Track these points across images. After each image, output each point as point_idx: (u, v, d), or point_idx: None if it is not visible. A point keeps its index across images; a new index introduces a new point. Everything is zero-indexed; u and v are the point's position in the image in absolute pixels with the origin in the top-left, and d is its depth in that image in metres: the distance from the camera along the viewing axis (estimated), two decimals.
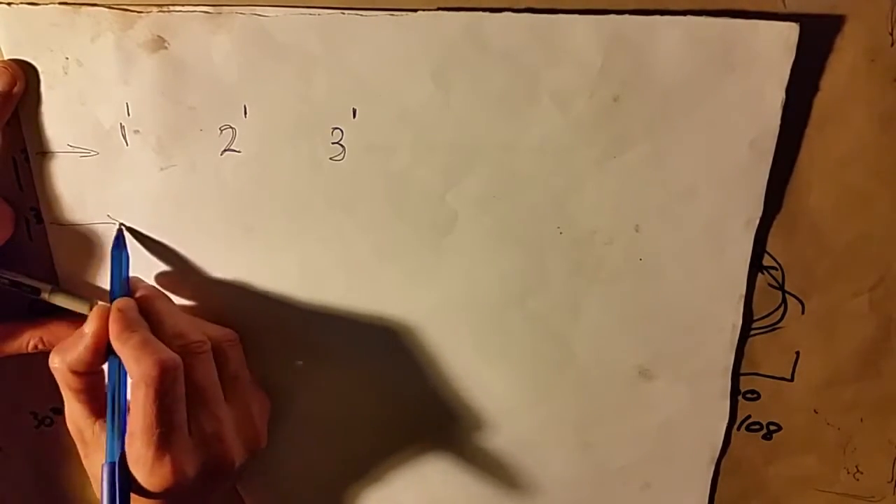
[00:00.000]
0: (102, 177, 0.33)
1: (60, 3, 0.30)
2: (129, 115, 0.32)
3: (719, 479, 0.39)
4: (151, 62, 0.31)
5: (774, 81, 0.30)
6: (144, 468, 0.29)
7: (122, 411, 0.31)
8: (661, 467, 0.38)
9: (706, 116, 0.31)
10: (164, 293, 0.34)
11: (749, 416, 0.37)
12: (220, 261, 0.35)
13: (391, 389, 0.37)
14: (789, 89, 0.30)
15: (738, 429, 0.37)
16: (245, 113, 0.32)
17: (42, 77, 0.32)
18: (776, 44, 0.30)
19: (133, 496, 0.30)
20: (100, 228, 0.34)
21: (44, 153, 0.33)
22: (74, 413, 0.32)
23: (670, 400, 0.37)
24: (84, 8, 0.30)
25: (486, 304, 0.35)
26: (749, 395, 0.37)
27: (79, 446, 0.33)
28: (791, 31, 0.29)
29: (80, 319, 0.33)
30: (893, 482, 0.38)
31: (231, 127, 0.32)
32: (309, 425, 0.38)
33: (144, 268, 0.35)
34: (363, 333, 0.36)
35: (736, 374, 0.36)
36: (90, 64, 0.31)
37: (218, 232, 0.34)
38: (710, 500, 0.39)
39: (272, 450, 0.37)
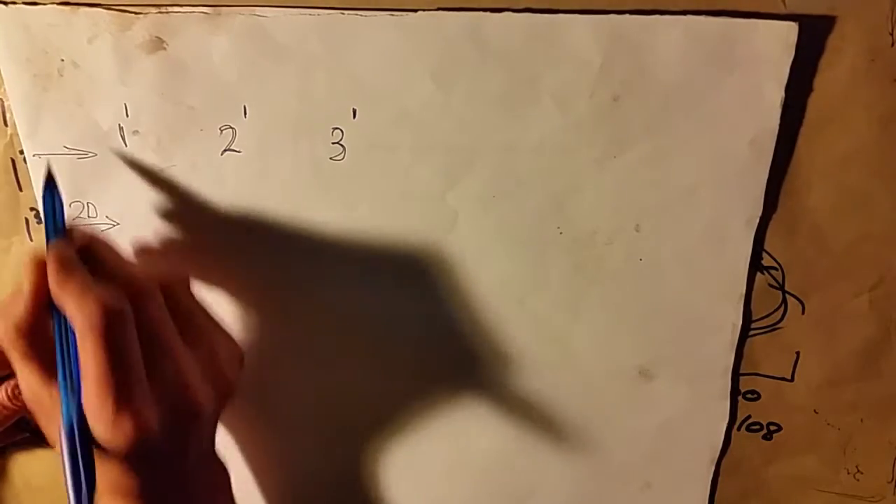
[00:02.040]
0: (101, 178, 0.33)
1: (57, 4, 0.30)
2: (127, 115, 0.32)
3: (719, 479, 0.39)
4: (150, 63, 0.31)
5: (774, 81, 0.30)
6: (104, 423, 0.27)
7: (74, 367, 0.28)
8: (661, 467, 0.38)
9: (706, 116, 0.31)
10: (102, 236, 0.31)
11: (749, 416, 0.37)
12: (221, 261, 0.34)
13: (389, 393, 0.37)
14: (789, 89, 0.30)
15: (738, 429, 0.37)
16: (245, 113, 0.32)
17: (36, 79, 0.32)
18: (776, 43, 0.30)
19: (99, 460, 0.28)
20: (100, 229, 0.34)
21: (41, 155, 0.33)
22: (28, 380, 0.29)
23: (670, 400, 0.37)
24: (81, 9, 0.30)
25: (486, 304, 0.35)
26: (749, 396, 0.37)
27: (39, 419, 0.30)
28: (790, 30, 0.29)
29: None
30: (893, 482, 0.38)
31: (231, 127, 0.32)
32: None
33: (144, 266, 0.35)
34: (363, 333, 0.36)
35: (736, 375, 0.36)
36: (87, 65, 0.31)
37: (218, 232, 0.34)
38: (710, 500, 0.39)
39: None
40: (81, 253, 0.29)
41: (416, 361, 0.36)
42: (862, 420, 0.37)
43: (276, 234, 0.34)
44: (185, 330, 0.30)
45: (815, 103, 0.31)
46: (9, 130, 0.33)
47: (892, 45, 0.30)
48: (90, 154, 0.33)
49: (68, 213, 0.34)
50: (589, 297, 0.35)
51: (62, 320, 0.28)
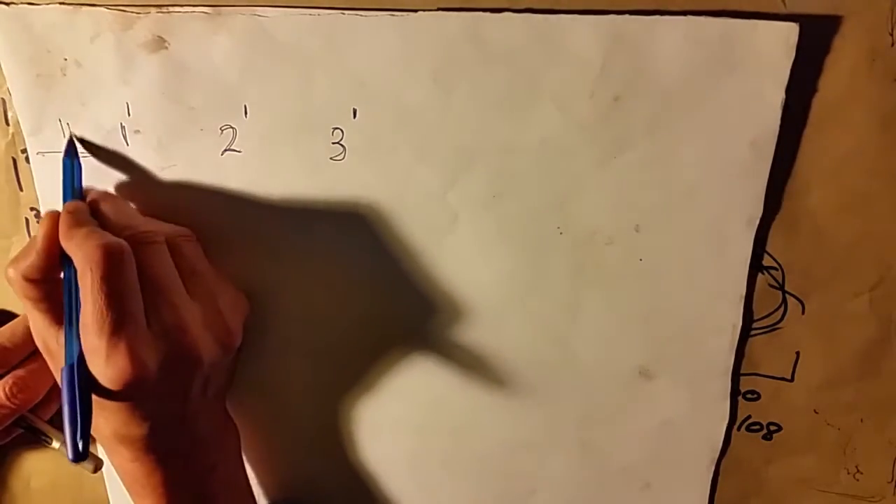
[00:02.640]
0: (103, 177, 0.33)
1: (59, 3, 0.30)
2: (129, 115, 0.32)
3: (719, 479, 0.39)
4: (152, 62, 0.31)
5: (774, 81, 0.30)
6: (99, 359, 0.28)
7: (78, 311, 0.30)
8: (661, 467, 0.38)
9: (706, 116, 0.31)
10: (116, 195, 0.33)
11: (749, 417, 0.37)
12: (221, 260, 0.34)
13: (388, 391, 0.37)
14: (789, 89, 0.30)
15: (739, 429, 0.37)
16: (245, 113, 0.32)
17: (39, 79, 0.32)
18: (776, 44, 0.30)
19: (100, 405, 0.29)
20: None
21: (43, 154, 0.33)
22: (37, 324, 0.31)
23: (670, 400, 0.37)
24: (83, 8, 0.31)
25: (486, 304, 0.35)
26: (749, 396, 0.37)
27: (47, 360, 0.32)
28: (791, 31, 0.29)
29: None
30: (893, 482, 0.38)
31: (231, 127, 0.32)
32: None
33: None
34: (363, 333, 0.36)
35: (736, 375, 0.36)
36: (90, 64, 0.32)
37: (218, 232, 0.34)
38: (710, 501, 0.39)
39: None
40: (92, 206, 0.31)
41: (415, 360, 0.36)
42: (862, 420, 0.37)
43: (276, 234, 0.34)
44: (187, 280, 0.31)
45: (815, 104, 0.31)
46: (10, 130, 0.33)
47: (893, 45, 0.30)
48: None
49: None
50: (589, 297, 0.35)
51: (72, 270, 0.30)
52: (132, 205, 0.34)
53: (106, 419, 0.30)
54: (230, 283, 0.34)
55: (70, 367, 0.29)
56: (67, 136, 0.32)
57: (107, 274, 0.28)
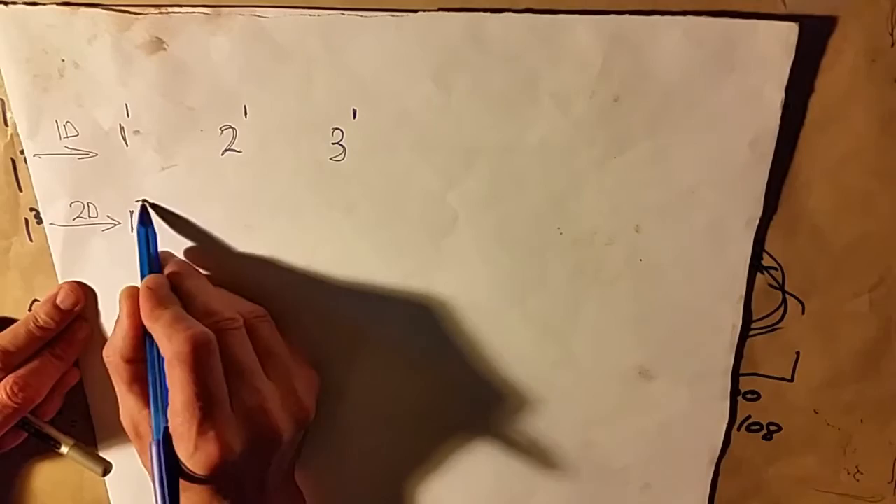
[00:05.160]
0: (102, 178, 0.33)
1: (57, 4, 0.30)
2: (128, 116, 0.32)
3: (719, 479, 0.39)
4: (150, 63, 0.31)
5: (774, 81, 0.30)
6: (189, 445, 0.29)
7: (163, 388, 0.30)
8: (661, 467, 0.38)
9: (706, 116, 0.31)
10: (194, 268, 0.34)
11: (749, 417, 0.37)
12: (221, 260, 0.34)
13: (388, 388, 0.37)
14: (789, 89, 0.30)
15: (739, 429, 0.37)
16: (245, 113, 0.32)
17: (37, 80, 0.32)
18: (776, 44, 0.30)
19: (184, 484, 0.30)
20: (100, 229, 0.34)
21: (42, 155, 0.33)
22: (128, 406, 0.32)
23: (670, 400, 0.37)
24: (81, 9, 0.30)
25: (486, 304, 0.35)
26: (749, 396, 0.37)
27: (135, 444, 0.33)
28: (791, 31, 0.29)
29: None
30: (893, 483, 0.38)
31: (231, 127, 0.32)
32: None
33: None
34: (362, 333, 0.36)
35: (736, 375, 0.36)
36: (88, 66, 0.31)
37: (219, 232, 0.34)
38: (710, 501, 0.39)
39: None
40: (171, 280, 0.32)
41: (414, 360, 0.36)
42: (862, 420, 0.37)
43: (276, 234, 0.34)
44: (265, 362, 0.32)
45: (815, 104, 0.31)
46: (9, 130, 0.33)
47: (892, 45, 0.30)
48: (91, 154, 0.33)
49: (68, 212, 0.34)
50: (589, 297, 0.35)
51: (153, 345, 0.31)
52: (203, 272, 0.34)
53: (188, 498, 0.30)
54: (303, 360, 0.36)
55: (158, 443, 0.30)
56: (140, 204, 0.33)
57: (195, 366, 0.28)
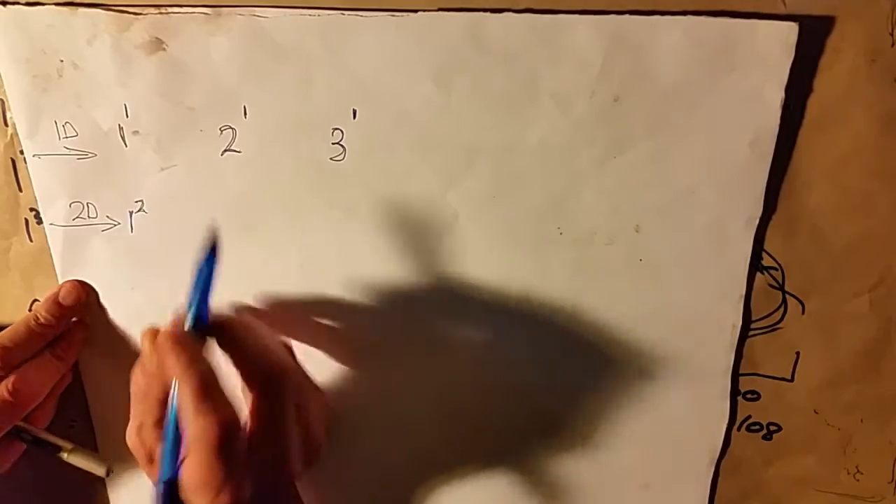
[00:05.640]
0: (102, 178, 0.33)
1: (57, 5, 0.30)
2: (127, 116, 0.32)
3: (719, 479, 0.39)
4: (150, 64, 0.31)
5: (774, 81, 0.30)
6: (201, 501, 0.28)
7: (178, 432, 0.29)
8: (661, 467, 0.38)
9: (706, 116, 0.31)
10: (246, 318, 0.33)
11: (749, 417, 0.37)
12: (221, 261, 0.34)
13: (388, 388, 0.37)
14: (789, 89, 0.30)
15: (738, 429, 0.37)
16: (245, 113, 0.32)
17: (36, 80, 0.32)
18: (776, 44, 0.30)
19: None
20: (100, 229, 0.34)
21: (41, 156, 0.33)
22: (143, 425, 0.31)
23: (670, 400, 0.37)
24: (80, 9, 0.30)
25: (487, 304, 0.35)
26: (749, 396, 0.37)
27: (140, 461, 0.32)
28: (790, 31, 0.29)
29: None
30: (893, 483, 0.38)
31: (231, 127, 0.32)
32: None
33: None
34: (361, 333, 0.36)
35: (736, 375, 0.36)
36: (87, 66, 0.31)
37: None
38: (710, 501, 0.39)
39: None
40: (226, 329, 0.31)
41: (414, 360, 0.36)
42: (862, 420, 0.37)
43: (276, 234, 0.34)
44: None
45: (815, 103, 0.31)
46: (9, 131, 0.33)
47: (892, 45, 0.30)
48: (90, 154, 0.33)
49: (67, 212, 0.34)
50: (589, 297, 0.35)
51: (175, 390, 0.29)
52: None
53: None
54: (316, 387, 0.36)
55: (166, 486, 0.29)
56: (212, 238, 0.30)
57: (220, 448, 0.28)
